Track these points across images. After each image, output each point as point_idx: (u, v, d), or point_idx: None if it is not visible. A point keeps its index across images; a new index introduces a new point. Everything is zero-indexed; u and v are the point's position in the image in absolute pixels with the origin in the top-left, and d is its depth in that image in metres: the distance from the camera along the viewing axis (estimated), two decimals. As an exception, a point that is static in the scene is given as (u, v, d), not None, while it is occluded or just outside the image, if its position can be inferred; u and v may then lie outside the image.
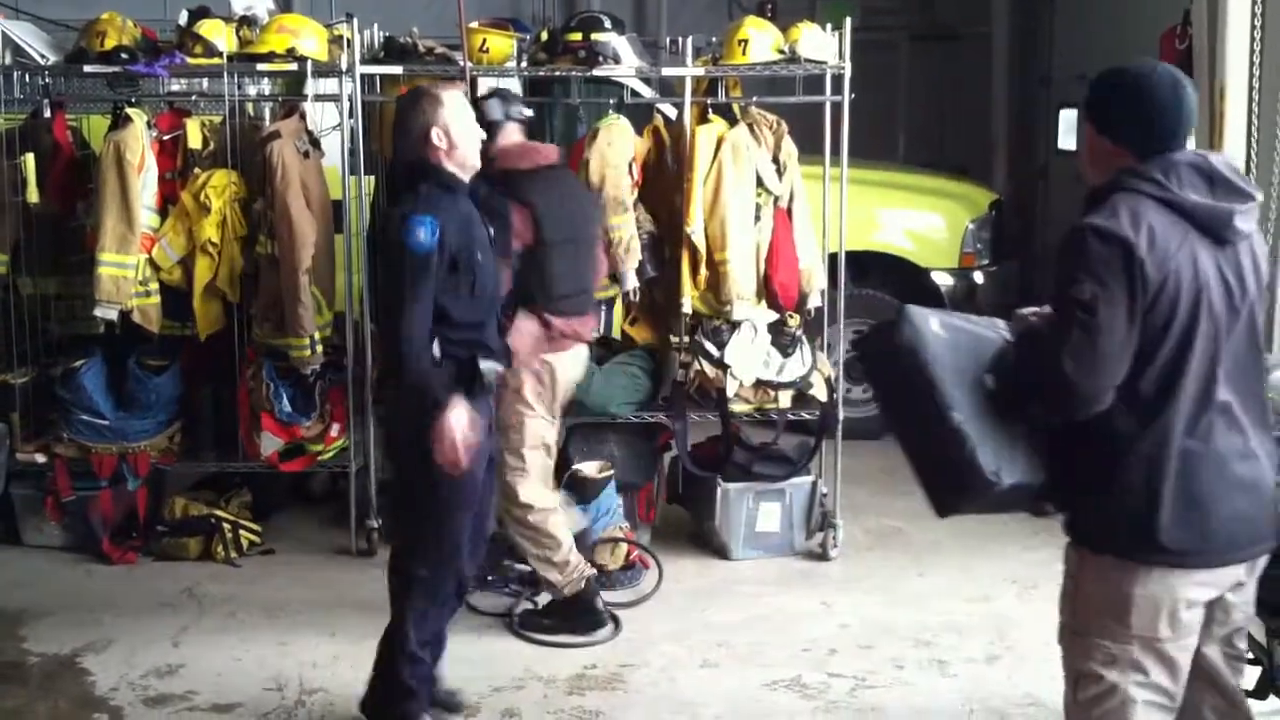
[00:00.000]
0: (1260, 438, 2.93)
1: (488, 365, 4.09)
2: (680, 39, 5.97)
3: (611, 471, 5.83)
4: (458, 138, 4.08)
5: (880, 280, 7.58)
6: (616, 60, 5.91)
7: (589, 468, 5.81)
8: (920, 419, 2.96)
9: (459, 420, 3.93)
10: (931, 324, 3.00)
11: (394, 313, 3.97)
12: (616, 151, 5.76)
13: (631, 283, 5.81)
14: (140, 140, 5.75)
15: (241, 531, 5.94)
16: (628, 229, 5.75)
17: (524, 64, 5.98)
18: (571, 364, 5.07)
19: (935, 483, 3.01)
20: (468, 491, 4.10)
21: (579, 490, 5.70)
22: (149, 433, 5.88)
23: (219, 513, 5.94)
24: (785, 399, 5.95)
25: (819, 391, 5.96)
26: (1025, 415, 2.95)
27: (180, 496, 6.02)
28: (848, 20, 5.88)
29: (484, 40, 5.89)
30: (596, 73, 5.95)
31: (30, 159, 5.79)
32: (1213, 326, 2.84)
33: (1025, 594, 5.55)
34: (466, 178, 4.14)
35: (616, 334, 6.09)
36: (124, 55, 5.79)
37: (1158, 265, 2.78)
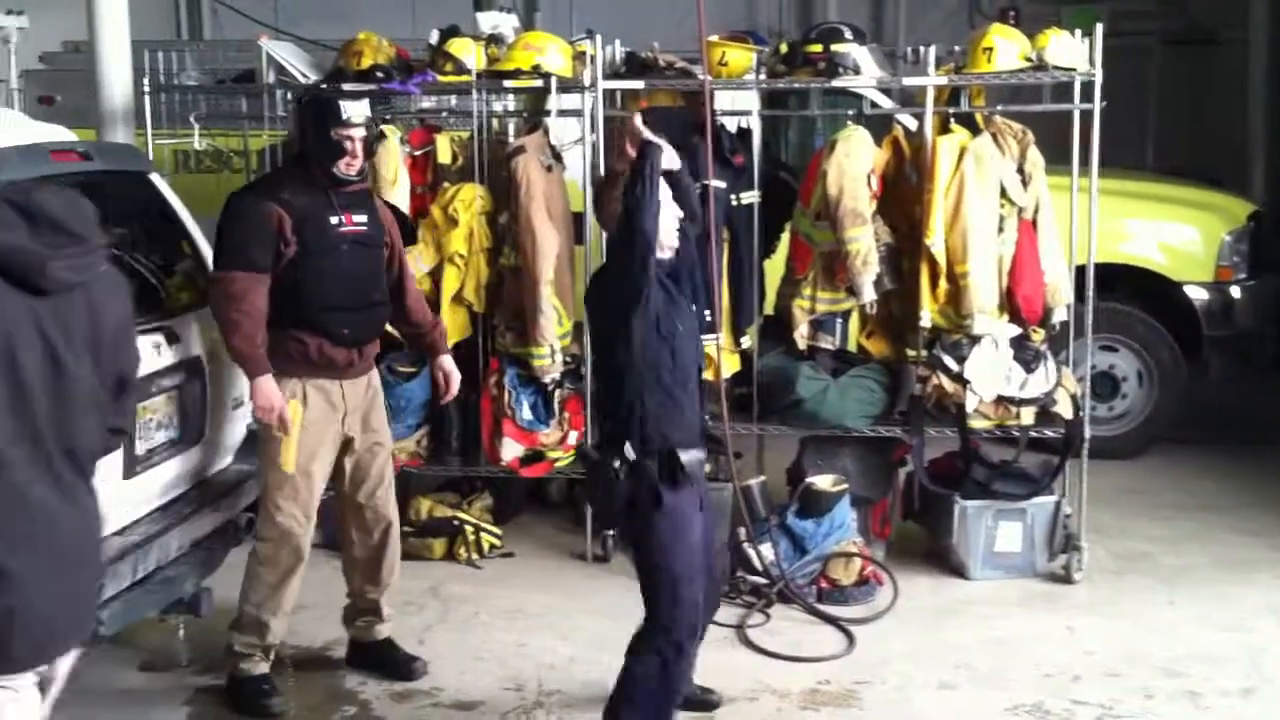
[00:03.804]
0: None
1: (689, 456, 4.03)
2: (921, 48, 5.89)
3: (845, 485, 5.79)
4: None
5: (1129, 294, 7.33)
6: (857, 71, 5.86)
7: (823, 481, 5.78)
8: None
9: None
10: None
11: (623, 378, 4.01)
12: (855, 163, 5.72)
13: (869, 295, 5.75)
14: (394, 156, 5.98)
15: (483, 534, 6.11)
16: (865, 241, 5.69)
17: (762, 76, 5.99)
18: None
19: None
20: (693, 563, 4.05)
21: (812, 503, 5.68)
22: (399, 436, 6.04)
23: (462, 515, 6.13)
24: (1027, 416, 5.79)
25: (1064, 408, 5.78)
26: None
27: (425, 498, 6.22)
28: (1099, 26, 5.70)
29: (723, 54, 5.93)
30: (836, 83, 5.92)
31: (293, 173, 6.07)
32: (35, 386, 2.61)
33: (1286, 626, 5.28)
34: (668, 256, 4.10)
35: (852, 347, 6.03)
36: (379, 74, 6.00)
37: None
